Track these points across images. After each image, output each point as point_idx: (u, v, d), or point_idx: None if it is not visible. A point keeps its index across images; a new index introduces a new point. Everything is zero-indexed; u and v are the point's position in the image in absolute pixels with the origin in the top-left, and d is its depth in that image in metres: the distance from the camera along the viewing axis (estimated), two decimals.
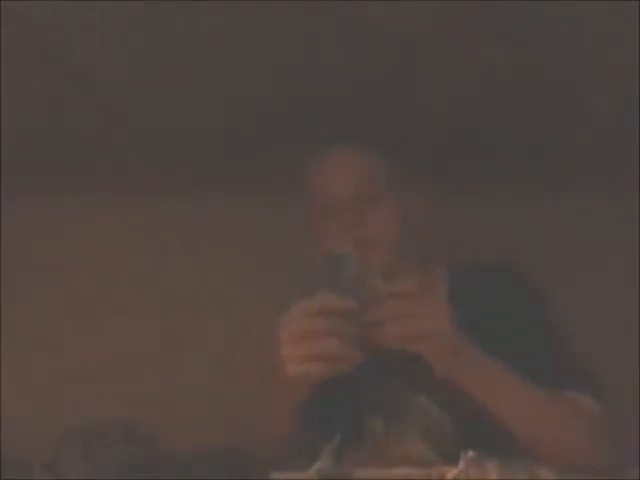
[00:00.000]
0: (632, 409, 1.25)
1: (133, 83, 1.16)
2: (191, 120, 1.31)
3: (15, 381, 1.48)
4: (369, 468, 0.72)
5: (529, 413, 0.88)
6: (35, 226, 1.57)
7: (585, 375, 0.98)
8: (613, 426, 0.94)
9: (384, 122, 1.28)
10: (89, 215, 1.58)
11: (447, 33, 1.01)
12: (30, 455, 1.25)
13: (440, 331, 0.82)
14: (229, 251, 1.56)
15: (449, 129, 1.35)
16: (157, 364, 1.50)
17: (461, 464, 0.68)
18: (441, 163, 1.44)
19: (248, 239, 1.56)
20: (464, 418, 0.95)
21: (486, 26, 0.99)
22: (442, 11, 0.95)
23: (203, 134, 1.36)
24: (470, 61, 1.09)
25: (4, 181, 1.47)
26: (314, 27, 0.99)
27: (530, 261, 1.16)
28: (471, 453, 0.69)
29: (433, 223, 1.14)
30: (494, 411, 0.87)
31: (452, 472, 0.68)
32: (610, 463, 0.87)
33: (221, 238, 1.56)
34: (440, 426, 0.96)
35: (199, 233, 1.57)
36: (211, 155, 1.43)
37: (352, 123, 1.26)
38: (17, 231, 1.55)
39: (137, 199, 1.55)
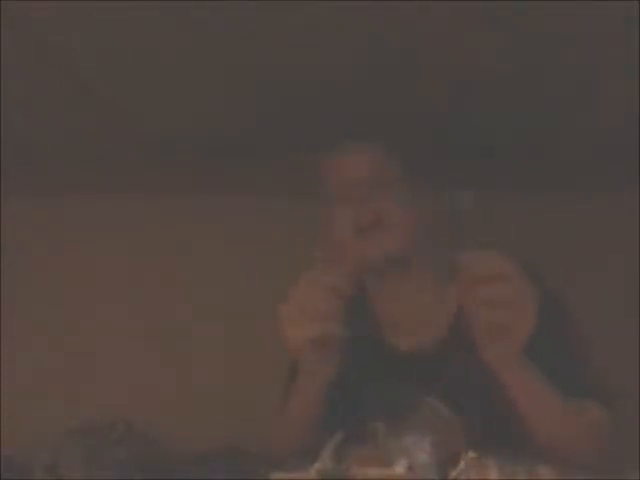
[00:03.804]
0: (632, 409, 1.25)
1: (133, 83, 1.16)
2: (191, 120, 1.31)
3: (15, 381, 1.48)
4: (369, 468, 0.72)
5: (550, 417, 0.88)
6: (35, 226, 1.57)
7: (599, 384, 0.98)
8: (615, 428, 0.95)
9: (388, 122, 1.28)
10: (89, 215, 1.58)
11: (449, 33, 1.01)
12: (31, 456, 1.25)
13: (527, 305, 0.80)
14: (229, 251, 1.56)
15: (449, 129, 1.35)
16: (157, 364, 1.50)
17: (461, 464, 0.68)
18: (440, 162, 1.44)
19: (248, 239, 1.56)
20: (476, 419, 0.94)
21: (486, 26, 0.99)
22: (443, 11, 0.95)
23: (203, 134, 1.36)
24: (471, 61, 1.09)
25: (4, 181, 1.47)
26: (316, 26, 0.99)
27: (529, 261, 1.15)
28: (471, 453, 0.69)
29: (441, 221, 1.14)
30: (521, 410, 0.87)
31: (452, 472, 0.68)
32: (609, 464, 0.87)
33: (221, 238, 1.56)
34: (449, 427, 0.95)
35: (199, 233, 1.57)
36: (211, 155, 1.43)
37: (352, 124, 1.26)
38: (17, 231, 1.55)
39: (137, 199, 1.55)
